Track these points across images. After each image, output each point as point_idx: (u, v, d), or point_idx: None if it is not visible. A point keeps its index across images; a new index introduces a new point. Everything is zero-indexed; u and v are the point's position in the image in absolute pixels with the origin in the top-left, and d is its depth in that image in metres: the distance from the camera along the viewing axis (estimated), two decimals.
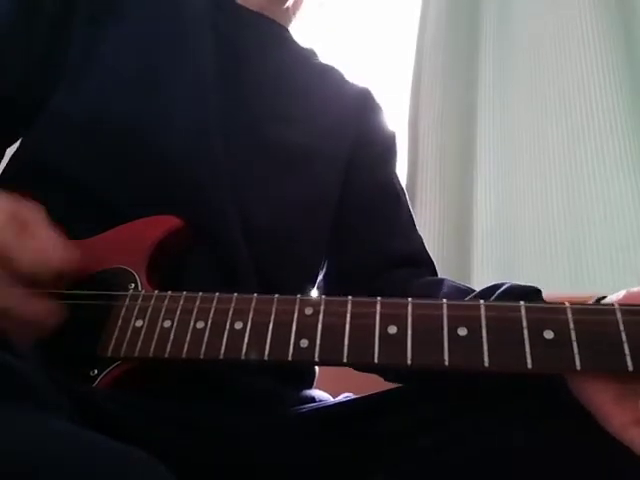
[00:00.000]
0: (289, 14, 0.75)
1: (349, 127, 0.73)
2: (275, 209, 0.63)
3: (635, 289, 0.41)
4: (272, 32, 0.72)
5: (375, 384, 0.59)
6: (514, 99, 1.07)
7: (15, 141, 0.66)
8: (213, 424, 0.48)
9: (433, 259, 0.73)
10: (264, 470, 0.48)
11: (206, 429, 0.47)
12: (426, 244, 0.74)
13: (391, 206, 0.74)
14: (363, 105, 0.77)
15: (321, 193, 0.68)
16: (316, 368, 0.67)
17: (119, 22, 0.64)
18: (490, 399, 0.46)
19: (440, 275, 0.72)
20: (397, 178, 0.77)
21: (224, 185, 0.59)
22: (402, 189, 0.76)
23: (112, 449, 0.27)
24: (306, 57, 0.76)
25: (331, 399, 0.62)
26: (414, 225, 0.74)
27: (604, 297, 0.43)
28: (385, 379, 0.61)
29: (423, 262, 0.71)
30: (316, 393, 0.63)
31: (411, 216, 0.75)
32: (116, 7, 0.65)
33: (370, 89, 0.79)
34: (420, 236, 0.73)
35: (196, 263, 0.56)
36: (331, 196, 0.69)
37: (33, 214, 0.46)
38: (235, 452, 0.48)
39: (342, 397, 0.60)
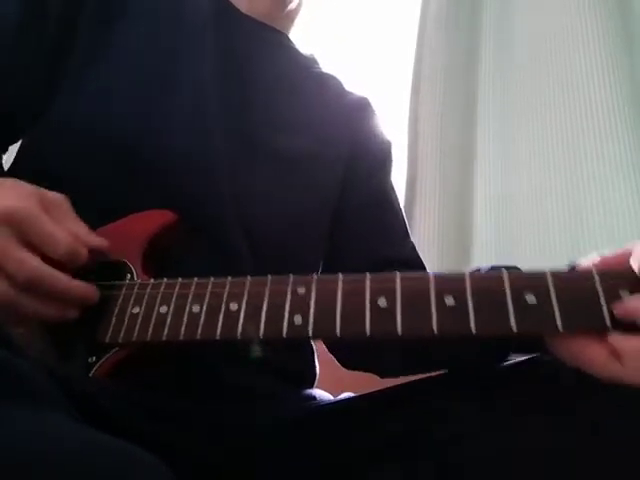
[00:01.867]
0: (288, 20, 0.76)
1: (347, 135, 0.74)
2: (276, 215, 0.63)
3: (608, 254, 0.43)
4: (273, 40, 0.73)
5: (374, 384, 0.59)
6: (514, 99, 1.07)
7: (15, 141, 0.66)
8: (213, 423, 0.48)
9: (433, 258, 0.73)
10: (264, 469, 0.48)
11: (206, 428, 0.48)
12: (425, 245, 0.75)
13: (385, 213, 0.75)
14: (361, 114, 0.78)
15: (320, 199, 0.69)
16: (317, 368, 0.67)
17: (122, 28, 0.64)
18: (491, 397, 0.46)
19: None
20: (392, 186, 0.78)
21: (224, 191, 0.59)
22: (396, 197, 0.78)
23: (111, 446, 0.27)
24: (306, 65, 0.77)
25: (331, 399, 0.62)
26: (407, 232, 0.75)
27: (578, 265, 0.45)
28: (381, 376, 0.61)
29: (415, 267, 0.72)
30: (317, 393, 0.63)
31: (405, 223, 0.76)
32: (119, 14, 0.65)
33: (368, 98, 0.81)
34: (413, 243, 0.75)
35: (198, 270, 0.56)
36: (329, 202, 0.70)
37: (59, 201, 0.48)
38: (235, 451, 0.48)
39: (342, 397, 0.60)
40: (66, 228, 0.46)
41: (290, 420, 0.52)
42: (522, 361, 0.49)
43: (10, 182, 0.47)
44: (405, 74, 1.18)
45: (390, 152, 0.79)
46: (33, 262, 0.43)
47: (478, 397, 0.47)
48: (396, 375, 0.57)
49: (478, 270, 0.52)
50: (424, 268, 0.73)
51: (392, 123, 0.80)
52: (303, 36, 0.79)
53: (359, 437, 0.48)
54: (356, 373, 0.66)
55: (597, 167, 0.93)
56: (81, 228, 0.49)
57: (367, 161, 0.75)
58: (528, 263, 0.95)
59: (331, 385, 0.66)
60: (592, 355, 0.39)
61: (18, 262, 0.42)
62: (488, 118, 1.09)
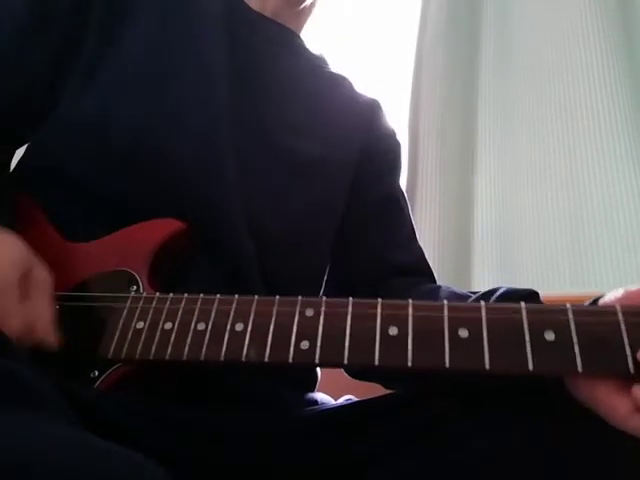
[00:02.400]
0: (301, 20, 0.75)
1: (358, 137, 0.74)
2: (285, 216, 0.63)
3: (634, 288, 0.41)
4: (285, 38, 0.72)
5: (376, 387, 0.59)
6: (514, 97, 1.07)
7: (23, 144, 0.65)
8: (214, 427, 0.48)
9: (433, 260, 0.74)
10: (265, 473, 0.48)
11: (206, 432, 0.47)
12: (426, 245, 0.75)
13: (394, 216, 0.74)
14: (372, 117, 0.78)
15: (329, 200, 0.69)
16: (318, 371, 0.67)
17: (132, 26, 0.63)
18: (489, 401, 0.46)
19: (440, 275, 0.73)
20: (400, 189, 0.78)
21: (233, 192, 0.58)
22: (405, 200, 0.77)
23: (112, 452, 0.27)
24: (317, 65, 0.76)
25: (333, 402, 0.62)
26: (415, 235, 0.75)
27: (602, 296, 0.43)
28: (385, 387, 0.61)
29: (423, 271, 0.72)
30: (318, 396, 0.63)
31: (412, 226, 0.76)
32: (129, 11, 0.64)
33: (379, 100, 0.80)
34: (420, 246, 0.74)
35: (204, 273, 0.56)
36: (338, 204, 0.70)
37: (42, 282, 0.47)
38: (236, 455, 0.47)
39: (343, 400, 0.60)
40: (26, 314, 0.45)
41: (291, 423, 0.52)
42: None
43: (7, 242, 0.47)
44: (405, 74, 1.18)
45: (400, 155, 0.79)
46: None
47: (478, 398, 0.47)
48: (399, 389, 0.57)
49: (494, 291, 0.50)
50: (430, 272, 0.72)
51: (394, 126, 0.81)
52: (303, 36, 0.79)
53: (359, 440, 0.48)
54: None
55: (598, 166, 0.93)
56: (44, 318, 0.46)
57: (378, 163, 0.75)
58: (529, 263, 0.95)
59: (332, 388, 0.66)
60: (614, 406, 0.38)
61: None
62: (488, 117, 1.09)
